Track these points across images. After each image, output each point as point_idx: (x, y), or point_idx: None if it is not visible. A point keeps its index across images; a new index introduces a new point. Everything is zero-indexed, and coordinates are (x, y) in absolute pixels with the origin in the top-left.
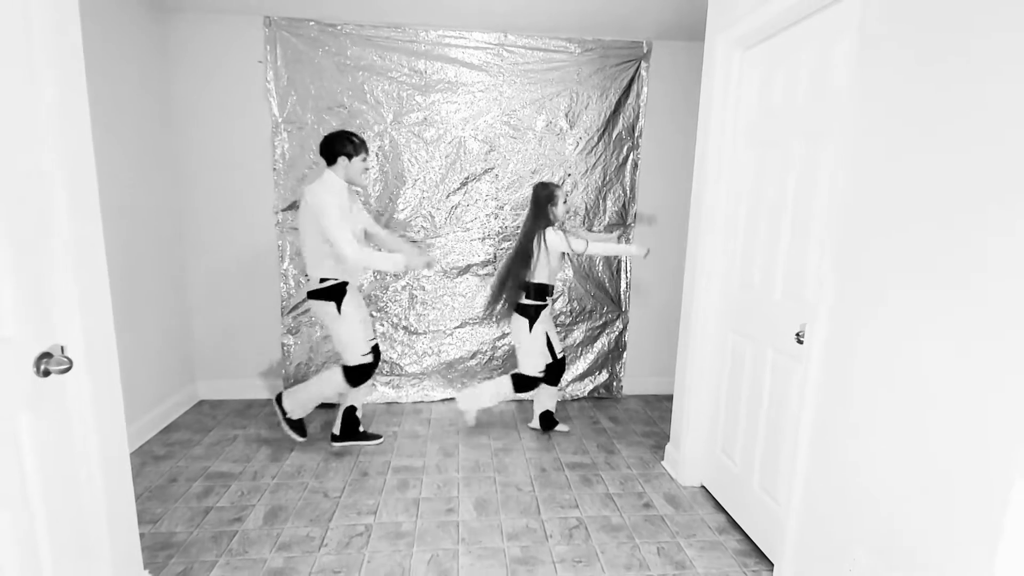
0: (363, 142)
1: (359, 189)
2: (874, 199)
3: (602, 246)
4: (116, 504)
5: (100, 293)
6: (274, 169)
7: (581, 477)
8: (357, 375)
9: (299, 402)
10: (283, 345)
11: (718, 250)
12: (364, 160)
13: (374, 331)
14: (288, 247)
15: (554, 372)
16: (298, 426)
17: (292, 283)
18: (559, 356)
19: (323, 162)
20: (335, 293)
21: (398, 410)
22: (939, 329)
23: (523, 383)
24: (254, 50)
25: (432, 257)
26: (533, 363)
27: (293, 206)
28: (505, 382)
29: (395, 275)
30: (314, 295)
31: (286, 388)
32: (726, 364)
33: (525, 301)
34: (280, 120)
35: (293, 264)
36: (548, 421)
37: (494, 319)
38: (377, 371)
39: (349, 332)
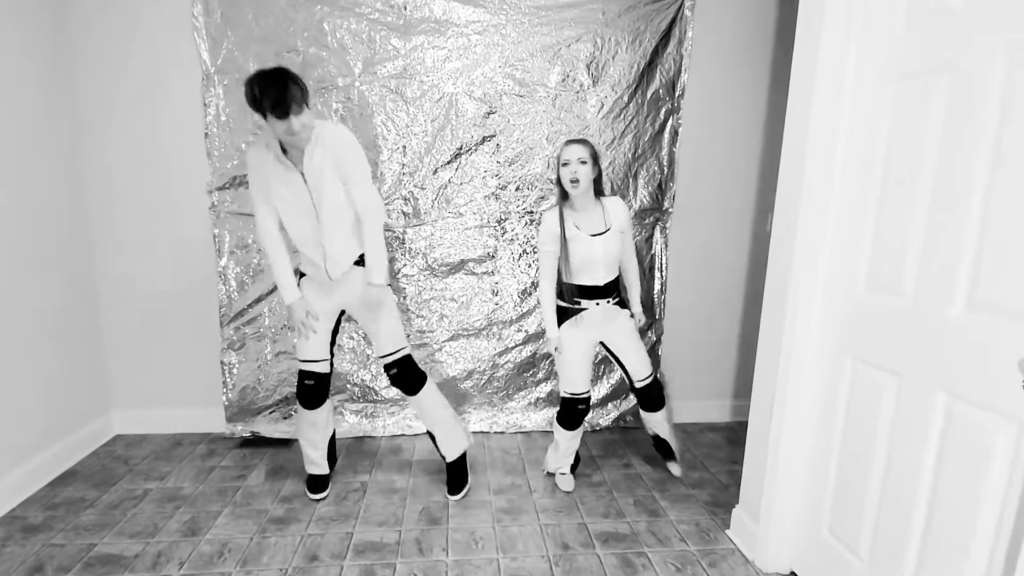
0: (299, 93)
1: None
2: None
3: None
4: None
5: None
6: (206, 135)
7: (620, 559)
8: (301, 387)
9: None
10: (223, 364)
11: (830, 235)
12: (284, 120)
13: (331, 340)
14: (227, 237)
15: (642, 396)
16: (314, 483)
17: (233, 285)
18: (644, 378)
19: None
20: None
21: (371, 448)
22: None
23: (562, 411)
24: None
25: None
26: (565, 384)
27: (232, 183)
28: (556, 425)
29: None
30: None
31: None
32: (840, 405)
33: (560, 304)
34: (212, 70)
35: (233, 259)
36: (663, 448)
37: None
38: (348, 396)
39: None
